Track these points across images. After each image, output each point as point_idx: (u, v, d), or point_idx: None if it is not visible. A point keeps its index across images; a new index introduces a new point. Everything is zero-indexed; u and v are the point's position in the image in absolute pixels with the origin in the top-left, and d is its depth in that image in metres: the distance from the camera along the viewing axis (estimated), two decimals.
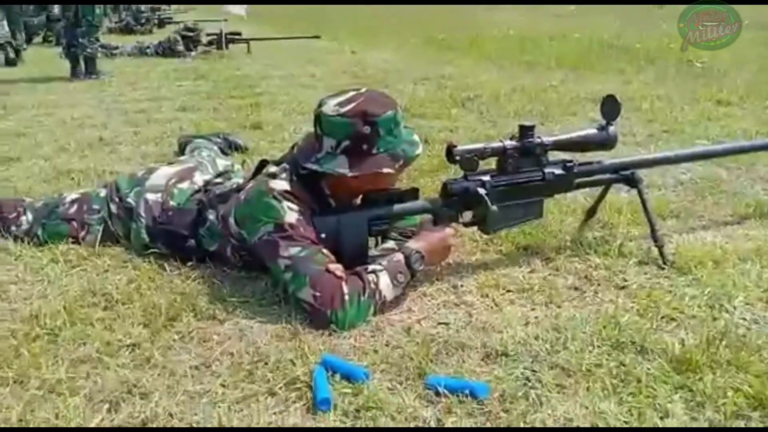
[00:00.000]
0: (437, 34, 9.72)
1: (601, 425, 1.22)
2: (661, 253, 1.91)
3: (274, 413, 1.27)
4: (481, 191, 1.78)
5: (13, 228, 2.11)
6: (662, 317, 1.60)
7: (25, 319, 1.62)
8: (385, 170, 1.70)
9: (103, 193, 2.14)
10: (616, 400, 1.29)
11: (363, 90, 1.74)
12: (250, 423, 1.25)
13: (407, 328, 1.58)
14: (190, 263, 1.90)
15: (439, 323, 1.61)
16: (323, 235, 1.69)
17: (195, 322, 1.61)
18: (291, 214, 1.66)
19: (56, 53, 7.62)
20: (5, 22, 7.64)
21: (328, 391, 1.30)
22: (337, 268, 1.62)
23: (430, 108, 4.35)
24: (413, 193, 1.83)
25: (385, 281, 1.64)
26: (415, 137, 1.80)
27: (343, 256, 1.69)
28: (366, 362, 1.43)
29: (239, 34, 8.75)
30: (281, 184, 1.70)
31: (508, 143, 1.82)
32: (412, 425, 1.24)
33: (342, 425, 1.24)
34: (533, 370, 1.38)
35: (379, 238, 1.85)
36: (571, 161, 1.93)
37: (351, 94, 1.72)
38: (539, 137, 1.85)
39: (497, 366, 1.41)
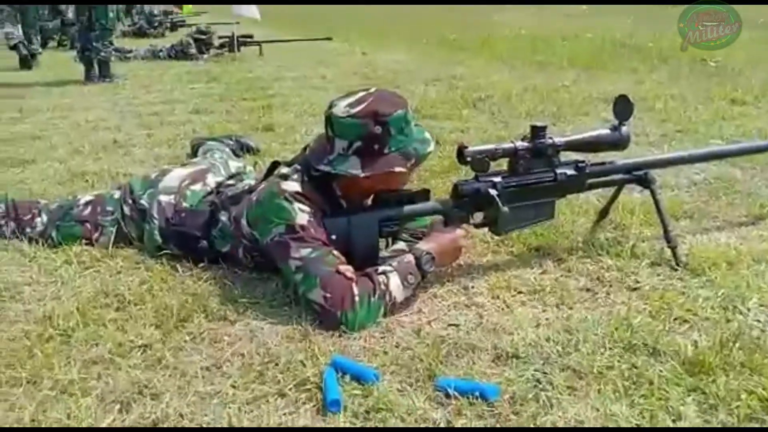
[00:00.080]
0: (449, 35, 9.71)
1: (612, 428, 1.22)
2: (674, 254, 1.89)
3: (284, 414, 1.28)
4: (493, 192, 1.77)
5: (28, 230, 2.13)
6: (675, 319, 1.59)
7: (38, 320, 1.63)
8: (398, 169, 1.70)
9: (116, 194, 2.16)
10: (628, 403, 1.28)
11: (372, 90, 1.74)
12: (260, 424, 1.25)
13: (417, 329, 1.58)
14: (202, 264, 1.92)
15: (450, 325, 1.60)
16: (334, 237, 1.69)
17: (206, 323, 1.62)
18: (302, 215, 1.67)
19: (71, 57, 7.68)
20: (20, 25, 7.73)
21: (338, 393, 1.30)
22: (348, 270, 1.63)
23: (441, 109, 4.35)
24: (424, 195, 1.83)
25: (395, 282, 1.64)
26: (426, 135, 1.79)
27: (353, 258, 1.69)
28: (376, 363, 1.43)
29: (251, 36, 8.78)
30: (293, 186, 1.71)
31: (520, 144, 1.81)
32: (422, 426, 1.24)
33: (352, 426, 1.24)
34: (544, 372, 1.38)
35: (390, 240, 1.85)
36: (583, 162, 1.91)
37: (361, 94, 1.72)
38: (551, 138, 1.84)
39: (508, 368, 1.41)
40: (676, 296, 1.70)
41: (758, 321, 1.58)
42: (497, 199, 1.77)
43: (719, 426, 1.22)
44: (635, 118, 2.00)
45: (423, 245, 1.73)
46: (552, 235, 2.09)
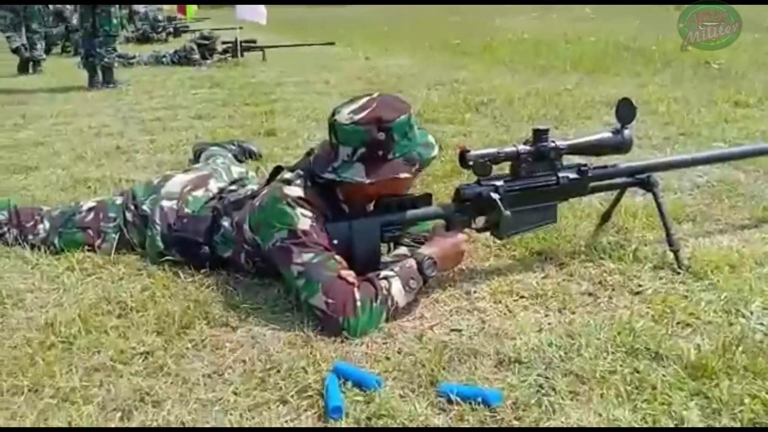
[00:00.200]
0: (452, 40, 9.72)
1: None
2: (677, 258, 1.89)
3: (286, 421, 1.28)
4: (495, 196, 1.77)
5: (31, 236, 2.14)
6: (678, 323, 1.58)
7: (40, 328, 1.64)
8: (402, 175, 1.70)
9: (119, 200, 2.16)
10: (631, 408, 1.27)
11: (375, 95, 1.74)
12: None
13: (419, 334, 1.57)
14: (204, 270, 1.92)
15: (452, 330, 1.60)
16: (336, 242, 1.69)
17: (208, 330, 1.62)
18: (304, 220, 1.67)
19: (74, 63, 7.73)
20: (23, 29, 7.78)
21: (340, 399, 1.30)
22: (350, 275, 1.63)
23: (444, 113, 4.35)
24: (426, 199, 1.82)
25: (397, 287, 1.63)
26: (430, 138, 1.79)
27: (355, 263, 1.69)
28: (378, 369, 1.43)
29: (254, 41, 8.81)
30: (295, 191, 1.71)
31: (522, 148, 1.81)
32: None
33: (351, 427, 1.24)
34: (547, 377, 1.37)
35: (392, 244, 1.85)
36: (585, 165, 1.91)
37: (364, 100, 1.72)
38: (553, 141, 1.83)
39: (510, 373, 1.40)
40: (678, 300, 1.69)
41: (761, 324, 1.57)
42: (499, 203, 1.76)
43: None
44: (638, 121, 2.00)
45: (425, 250, 1.73)
46: (554, 239, 2.08)
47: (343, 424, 1.26)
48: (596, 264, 1.93)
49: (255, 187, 2.04)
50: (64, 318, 1.66)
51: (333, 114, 1.73)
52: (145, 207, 2.07)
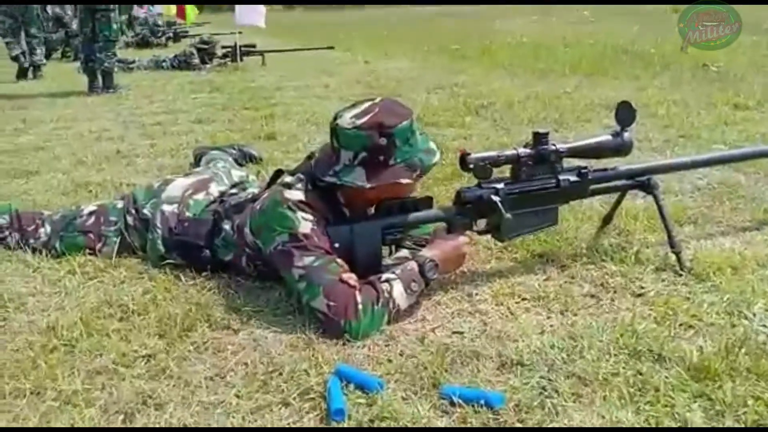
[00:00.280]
0: (451, 44, 9.73)
1: None
2: (679, 260, 1.89)
3: (288, 424, 1.27)
4: (495, 199, 1.77)
5: (32, 240, 2.14)
6: (680, 325, 1.58)
7: (42, 331, 1.63)
8: (403, 181, 1.70)
9: (120, 204, 2.17)
10: (634, 410, 1.27)
11: (378, 100, 1.74)
12: None
13: (421, 337, 1.57)
14: (205, 273, 1.92)
15: (454, 332, 1.60)
16: (337, 245, 1.69)
17: (210, 333, 1.62)
18: (305, 224, 1.67)
19: (75, 68, 7.75)
20: (22, 35, 7.79)
21: (342, 402, 1.29)
22: (351, 278, 1.63)
23: (444, 116, 4.36)
24: (427, 202, 1.82)
25: (398, 290, 1.63)
26: (432, 144, 1.79)
27: (357, 266, 1.69)
28: (380, 372, 1.43)
29: (254, 46, 8.84)
30: (296, 194, 1.71)
31: (522, 150, 1.81)
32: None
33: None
34: (549, 380, 1.37)
35: (393, 247, 1.84)
36: (585, 168, 1.91)
37: (366, 105, 1.72)
38: (553, 144, 1.83)
39: (513, 375, 1.40)
40: (680, 302, 1.69)
41: (764, 326, 1.57)
42: (500, 205, 1.76)
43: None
44: (638, 124, 2.00)
45: (426, 252, 1.73)
46: (556, 242, 2.09)
47: (345, 426, 1.25)
48: (598, 266, 1.93)
49: (256, 191, 2.05)
50: (65, 321, 1.66)
51: (335, 118, 1.73)
52: (146, 211, 2.07)
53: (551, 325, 1.61)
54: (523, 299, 1.76)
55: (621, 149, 1.89)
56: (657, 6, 15.18)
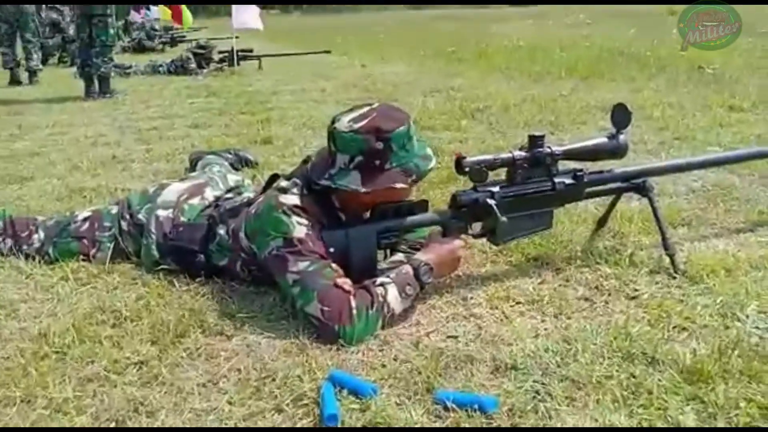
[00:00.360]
0: (447, 47, 9.75)
1: None
2: (673, 262, 1.88)
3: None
4: (491, 202, 1.77)
5: (25, 246, 2.13)
6: (673, 327, 1.58)
7: (33, 338, 1.62)
8: (398, 185, 1.70)
9: (114, 210, 2.16)
10: (627, 413, 1.26)
11: (376, 105, 1.75)
12: None
13: (416, 341, 1.57)
14: (199, 279, 1.91)
15: (448, 336, 1.59)
16: (332, 249, 1.68)
17: (203, 339, 1.61)
18: (300, 228, 1.67)
19: (71, 74, 7.75)
20: (17, 40, 7.79)
21: (335, 407, 1.29)
22: (345, 283, 1.62)
23: (440, 120, 4.36)
24: (422, 205, 1.82)
25: (393, 293, 1.63)
26: (428, 151, 1.80)
27: (352, 270, 1.68)
28: (374, 377, 1.42)
29: (251, 50, 8.85)
30: (291, 199, 1.71)
31: (518, 154, 1.81)
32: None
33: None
34: (543, 383, 1.37)
35: (389, 251, 1.84)
36: (581, 171, 1.91)
37: (365, 109, 1.72)
38: (549, 147, 1.83)
39: (506, 379, 1.40)
40: (674, 304, 1.69)
41: (757, 328, 1.57)
42: (495, 209, 1.76)
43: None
44: (633, 126, 2.00)
45: (421, 256, 1.73)
46: (550, 245, 2.08)
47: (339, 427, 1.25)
48: (592, 269, 1.93)
49: (251, 195, 2.04)
50: (57, 328, 1.65)
51: (333, 122, 1.73)
52: (140, 216, 2.07)
53: (545, 329, 1.61)
54: (518, 303, 1.76)
55: (617, 152, 1.89)
56: (653, 8, 15.23)
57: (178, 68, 8.34)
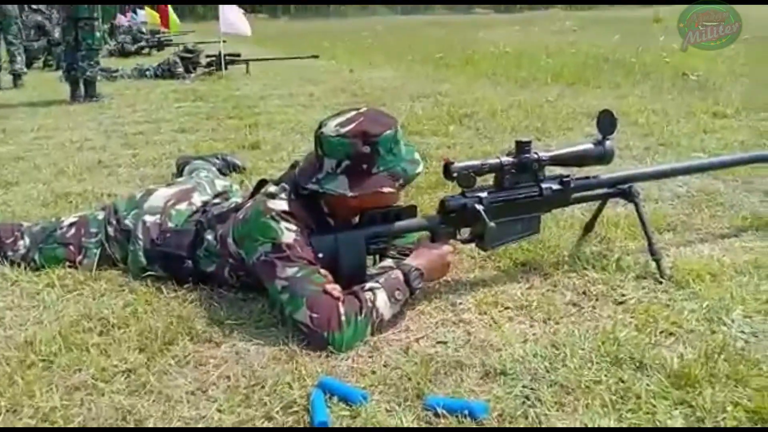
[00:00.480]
0: (435, 54, 9.79)
1: None
2: (659, 267, 1.90)
3: None
4: (479, 208, 1.78)
5: (10, 253, 2.10)
6: (660, 332, 1.59)
7: (19, 346, 1.60)
8: (386, 190, 1.70)
9: (100, 215, 2.14)
10: (616, 417, 1.27)
11: (363, 109, 1.75)
12: None
13: (405, 347, 1.57)
14: (187, 285, 1.90)
15: (438, 342, 1.60)
16: (321, 255, 1.68)
17: (191, 346, 1.60)
18: (288, 234, 1.66)
19: (56, 77, 7.69)
20: (1, 42, 7.72)
21: (325, 414, 1.29)
22: (334, 289, 1.62)
23: (428, 125, 4.37)
24: (411, 211, 1.83)
25: (382, 299, 1.63)
26: (416, 155, 1.80)
27: (341, 275, 1.68)
28: (364, 384, 1.42)
29: (238, 55, 8.82)
30: (279, 204, 1.71)
31: (505, 159, 1.82)
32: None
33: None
34: (532, 389, 1.37)
35: (378, 257, 1.84)
36: (568, 176, 1.93)
37: (351, 114, 1.73)
38: (536, 153, 1.85)
39: (496, 385, 1.40)
40: (661, 309, 1.71)
41: (742, 332, 1.59)
42: (484, 214, 1.77)
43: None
44: (619, 132, 2.02)
45: (411, 261, 1.73)
46: (538, 250, 2.09)
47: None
48: (580, 274, 1.94)
49: (239, 201, 2.04)
50: (44, 336, 1.63)
51: (320, 126, 1.73)
52: (127, 222, 2.05)
53: (534, 334, 1.62)
54: (507, 308, 1.76)
55: (603, 157, 1.91)
56: (638, 15, 15.38)
57: (165, 72, 8.30)
